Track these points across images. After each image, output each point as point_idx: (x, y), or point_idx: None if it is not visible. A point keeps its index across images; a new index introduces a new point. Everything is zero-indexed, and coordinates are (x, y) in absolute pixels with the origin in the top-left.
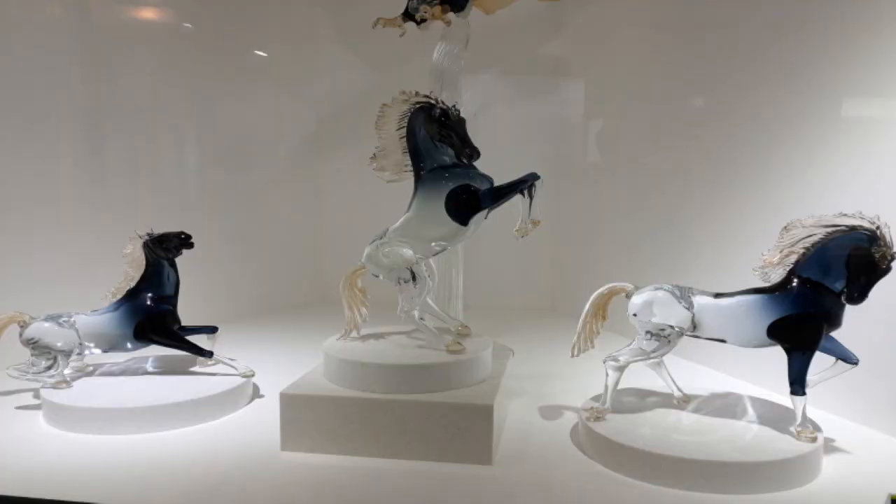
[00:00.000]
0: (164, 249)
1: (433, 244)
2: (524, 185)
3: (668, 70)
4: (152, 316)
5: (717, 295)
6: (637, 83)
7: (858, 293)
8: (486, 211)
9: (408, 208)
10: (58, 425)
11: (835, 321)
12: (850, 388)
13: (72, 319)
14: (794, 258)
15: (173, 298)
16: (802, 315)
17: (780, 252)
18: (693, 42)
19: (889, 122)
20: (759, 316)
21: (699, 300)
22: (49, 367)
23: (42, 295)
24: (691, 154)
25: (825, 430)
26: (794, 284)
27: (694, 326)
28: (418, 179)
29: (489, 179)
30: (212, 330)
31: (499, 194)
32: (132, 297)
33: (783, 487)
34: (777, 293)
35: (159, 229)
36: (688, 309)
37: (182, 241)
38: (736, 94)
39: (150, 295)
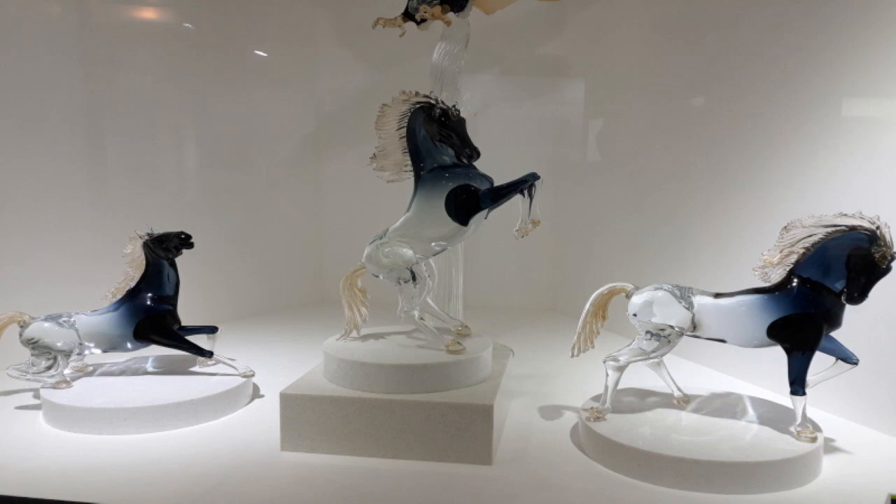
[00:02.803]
0: (164, 249)
1: (433, 244)
2: (524, 185)
3: (667, 70)
4: (152, 316)
5: (717, 295)
6: (637, 83)
7: (858, 293)
8: (485, 211)
9: (408, 208)
10: (58, 425)
11: (835, 321)
12: (851, 388)
13: (72, 319)
14: (794, 258)
15: (173, 298)
16: (802, 315)
17: (780, 252)
18: (693, 42)
19: (889, 122)
20: (759, 316)
21: (699, 300)
22: (49, 367)
23: (42, 295)
24: (691, 154)
25: (825, 430)
26: (794, 284)
27: (694, 326)
28: (418, 179)
29: (489, 179)
30: (212, 330)
31: (498, 194)
32: (132, 297)
33: (783, 487)
34: (777, 293)
35: (159, 229)
36: (688, 309)
37: (182, 241)
38: (736, 94)
39: (150, 295)
